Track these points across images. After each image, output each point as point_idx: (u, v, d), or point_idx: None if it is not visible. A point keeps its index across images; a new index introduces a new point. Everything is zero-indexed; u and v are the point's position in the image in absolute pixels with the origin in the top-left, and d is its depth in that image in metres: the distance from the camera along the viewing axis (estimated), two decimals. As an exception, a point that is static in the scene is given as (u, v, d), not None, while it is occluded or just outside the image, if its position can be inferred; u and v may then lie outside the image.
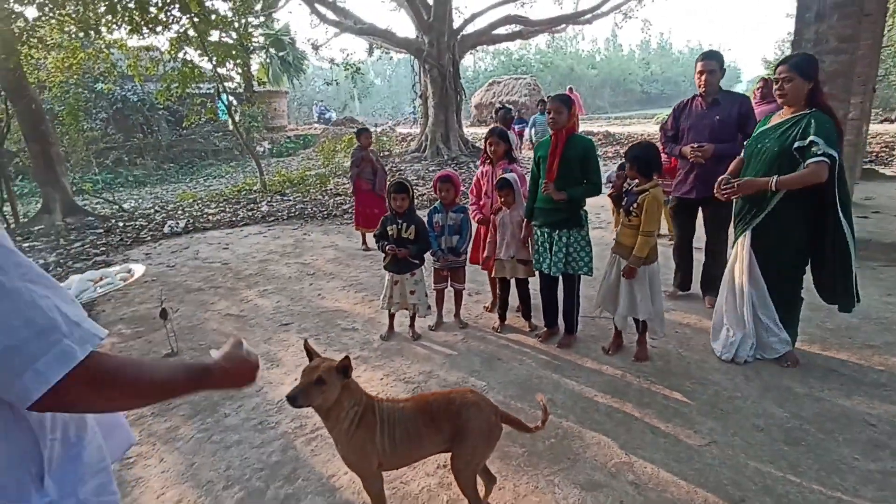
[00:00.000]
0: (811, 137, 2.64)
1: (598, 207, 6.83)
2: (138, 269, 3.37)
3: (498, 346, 3.53)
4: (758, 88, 6.03)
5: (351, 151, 6.70)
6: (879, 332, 3.40)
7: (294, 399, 1.64)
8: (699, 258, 4.05)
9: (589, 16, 16.06)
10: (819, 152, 2.61)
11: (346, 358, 1.74)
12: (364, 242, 6.18)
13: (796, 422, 2.54)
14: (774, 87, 2.86)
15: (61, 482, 0.86)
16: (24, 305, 0.73)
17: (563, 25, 17.13)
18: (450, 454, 1.90)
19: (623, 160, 3.66)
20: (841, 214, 2.71)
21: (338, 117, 25.14)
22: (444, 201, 3.84)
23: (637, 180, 3.07)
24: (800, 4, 4.62)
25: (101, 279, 3.15)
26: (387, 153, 14.20)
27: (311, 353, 1.80)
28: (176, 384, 0.93)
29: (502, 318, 3.82)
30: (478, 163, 5.07)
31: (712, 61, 3.66)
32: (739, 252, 3.04)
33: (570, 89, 15.44)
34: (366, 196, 6.07)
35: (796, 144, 2.71)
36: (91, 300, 3.26)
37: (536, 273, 3.57)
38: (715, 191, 2.98)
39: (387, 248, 3.57)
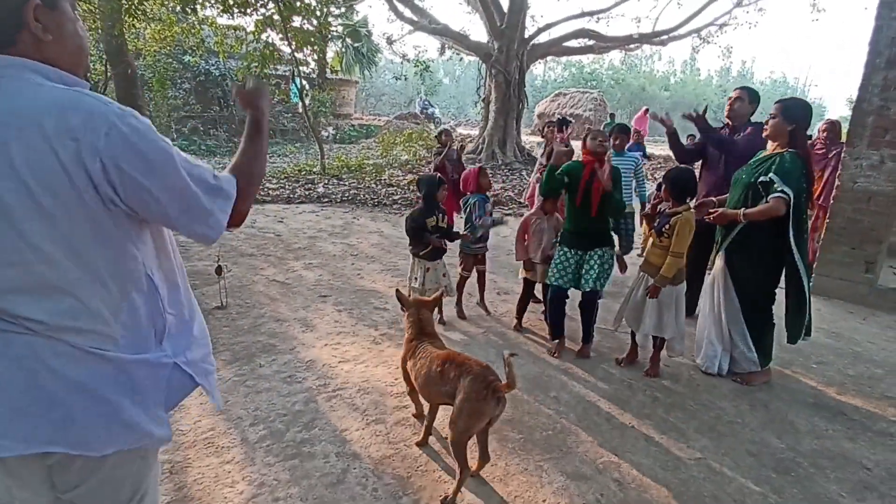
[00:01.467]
0: (770, 175, 2.95)
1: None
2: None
3: (516, 343, 3.72)
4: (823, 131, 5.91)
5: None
6: (902, 386, 3.36)
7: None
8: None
9: (665, 37, 15.80)
10: (778, 189, 2.90)
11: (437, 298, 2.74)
12: None
13: (791, 454, 2.61)
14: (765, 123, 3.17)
15: (175, 345, 1.16)
16: (193, 175, 1.06)
17: (637, 45, 16.93)
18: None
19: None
20: (795, 249, 2.98)
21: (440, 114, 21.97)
22: (486, 189, 4.11)
23: (670, 202, 3.19)
24: (871, 49, 4.53)
25: None
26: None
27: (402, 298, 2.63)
28: (259, 145, 1.28)
29: (520, 317, 3.99)
30: (532, 170, 5.29)
31: (744, 91, 3.96)
32: (717, 270, 3.29)
33: (646, 110, 15.28)
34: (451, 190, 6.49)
35: (760, 179, 2.97)
36: None
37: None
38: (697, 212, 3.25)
39: (438, 239, 3.69)
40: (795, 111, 3.03)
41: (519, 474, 2.35)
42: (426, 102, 25.95)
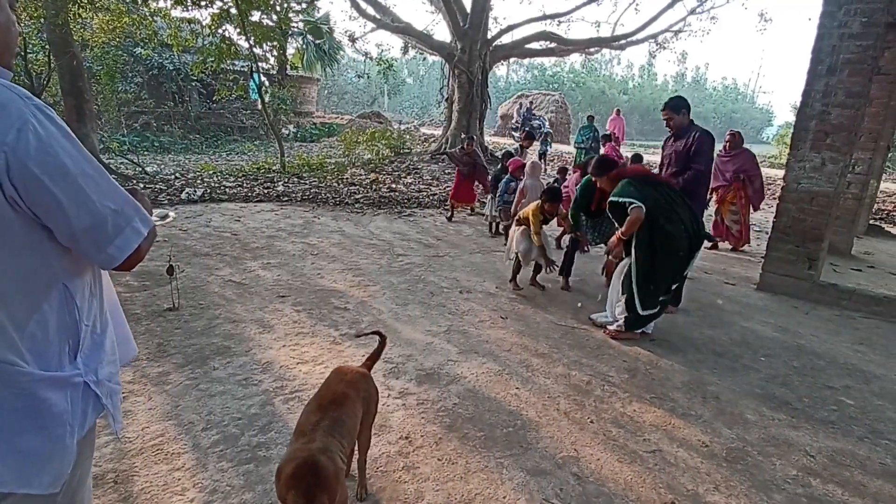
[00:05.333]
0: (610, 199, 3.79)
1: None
2: (171, 214, 3.71)
3: (478, 340, 3.72)
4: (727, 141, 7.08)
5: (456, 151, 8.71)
6: (841, 376, 3.54)
7: None
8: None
9: (623, 41, 16.24)
10: (624, 202, 3.67)
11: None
12: (451, 215, 7.86)
13: (740, 443, 2.70)
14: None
15: (87, 361, 1.07)
16: (103, 192, 0.98)
17: (597, 48, 17.32)
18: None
19: None
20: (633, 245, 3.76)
21: (540, 128, 15.10)
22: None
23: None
24: (814, 57, 4.76)
25: None
26: (406, 151, 14.44)
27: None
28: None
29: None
30: (495, 168, 6.49)
31: (668, 109, 4.42)
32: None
33: (618, 111, 15.64)
34: (461, 178, 7.80)
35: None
36: None
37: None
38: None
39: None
40: (600, 170, 4.02)
41: (479, 472, 2.35)
42: (530, 112, 17.91)
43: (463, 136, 9.22)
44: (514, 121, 16.59)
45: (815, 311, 4.85)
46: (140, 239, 1.04)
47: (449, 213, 7.93)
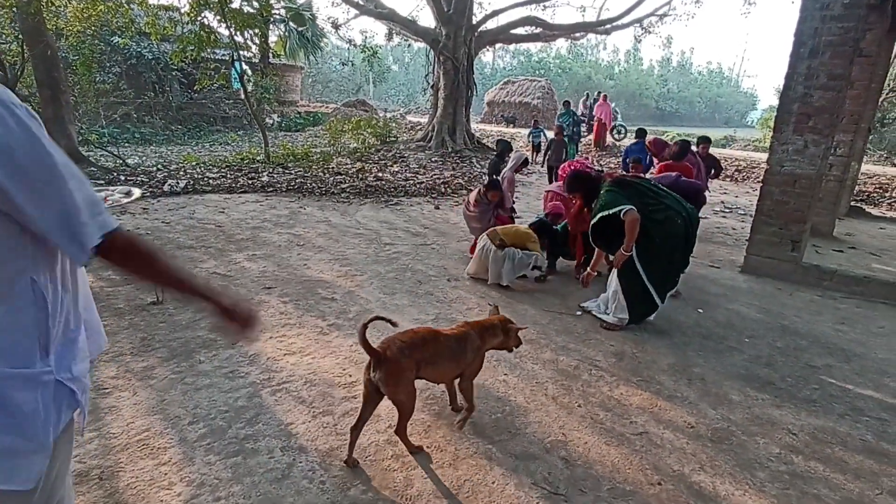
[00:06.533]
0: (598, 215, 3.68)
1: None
2: (136, 191, 3.72)
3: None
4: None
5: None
6: (822, 356, 3.61)
7: None
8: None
9: (608, 26, 16.17)
10: (616, 211, 3.57)
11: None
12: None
13: (725, 423, 2.75)
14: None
15: (60, 357, 1.04)
16: (76, 182, 0.96)
17: (583, 33, 17.24)
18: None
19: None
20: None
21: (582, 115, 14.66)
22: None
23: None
24: (796, 40, 4.78)
25: (105, 198, 3.56)
26: (392, 139, 14.33)
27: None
28: (184, 277, 1.12)
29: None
30: (479, 158, 6.01)
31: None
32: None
33: (605, 97, 15.63)
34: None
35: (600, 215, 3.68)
36: None
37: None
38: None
39: None
40: (575, 185, 4.01)
41: (468, 458, 2.36)
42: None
43: (484, 184, 6.12)
44: (580, 113, 16.21)
45: (798, 292, 4.92)
46: (115, 224, 1.02)
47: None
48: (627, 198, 3.60)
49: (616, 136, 16.41)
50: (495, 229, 4.64)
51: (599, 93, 16.12)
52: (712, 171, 7.30)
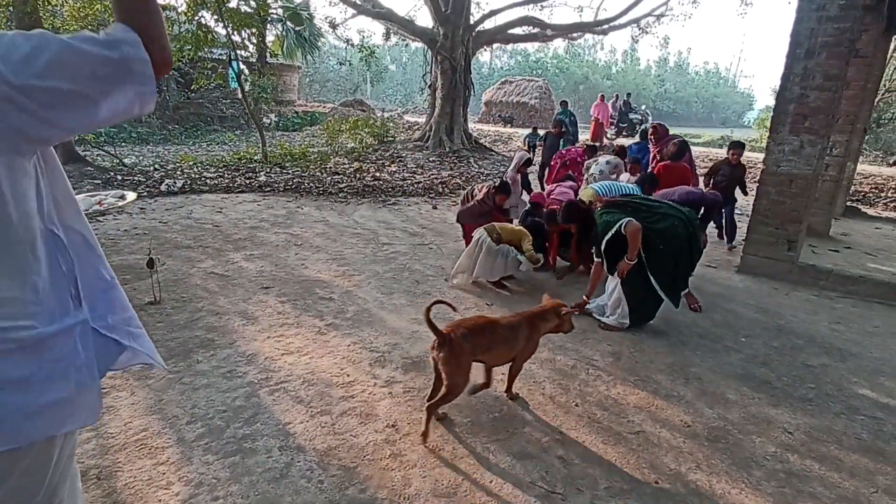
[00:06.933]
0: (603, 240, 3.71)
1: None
2: (130, 195, 3.72)
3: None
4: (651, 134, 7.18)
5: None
6: (819, 355, 3.63)
7: None
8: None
9: (606, 26, 16.20)
10: (620, 225, 3.60)
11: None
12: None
13: (721, 422, 2.76)
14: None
15: (94, 307, 1.05)
16: (76, 39, 0.88)
17: (580, 33, 17.27)
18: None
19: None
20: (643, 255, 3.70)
21: (642, 122, 15.09)
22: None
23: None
24: (792, 40, 4.80)
25: (100, 202, 3.58)
26: (390, 139, 14.33)
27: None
28: None
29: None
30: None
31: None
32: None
33: (602, 97, 15.70)
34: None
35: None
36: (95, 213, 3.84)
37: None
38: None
39: None
40: (571, 217, 4.27)
41: (466, 457, 2.37)
42: (628, 107, 16.42)
43: (478, 186, 5.36)
44: (610, 115, 16.11)
45: (794, 291, 4.94)
46: (139, 45, 0.91)
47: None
48: (624, 214, 3.68)
49: (627, 131, 16.50)
50: (493, 225, 4.63)
51: (628, 96, 16.07)
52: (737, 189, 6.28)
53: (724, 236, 6.51)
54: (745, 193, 6.51)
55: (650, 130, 7.21)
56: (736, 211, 6.55)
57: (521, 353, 2.72)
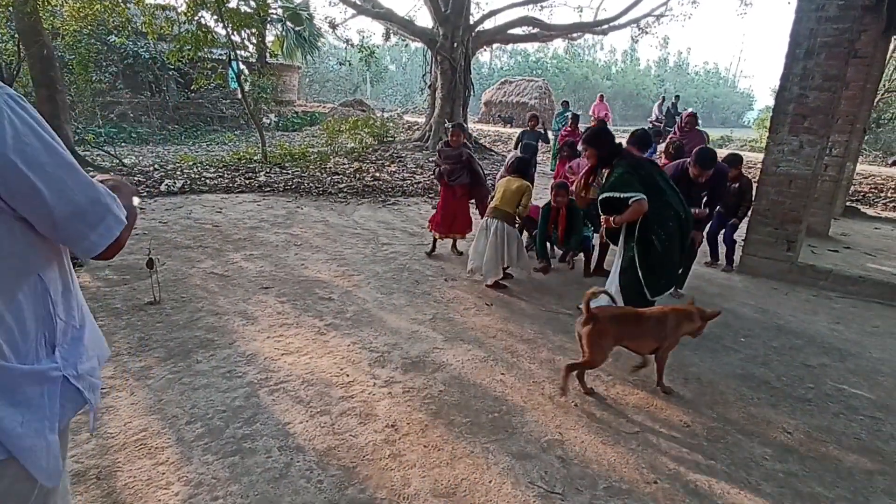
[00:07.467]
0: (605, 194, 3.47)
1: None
2: (135, 199, 3.69)
3: (463, 327, 3.73)
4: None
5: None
6: (818, 355, 3.63)
7: None
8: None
9: (605, 26, 16.21)
10: (626, 197, 3.36)
11: None
12: (433, 249, 5.92)
13: (721, 423, 2.76)
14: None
15: (67, 355, 1.05)
16: (81, 181, 0.96)
17: (580, 33, 17.27)
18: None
19: None
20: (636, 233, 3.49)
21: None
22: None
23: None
24: (792, 41, 4.81)
25: None
26: (390, 139, 14.33)
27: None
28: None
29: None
30: (476, 158, 5.78)
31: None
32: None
33: (601, 96, 15.68)
34: (446, 190, 5.62)
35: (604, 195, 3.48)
36: None
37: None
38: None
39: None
40: (594, 142, 3.60)
41: (465, 457, 2.37)
42: (675, 108, 14.96)
43: (447, 123, 5.94)
44: (654, 117, 15.43)
45: (793, 291, 4.94)
46: (121, 226, 1.03)
47: (430, 248, 5.47)
48: (641, 181, 3.36)
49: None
50: (492, 207, 4.45)
51: (677, 98, 15.41)
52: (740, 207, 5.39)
53: (718, 257, 5.68)
54: (745, 215, 5.43)
55: (683, 118, 6.91)
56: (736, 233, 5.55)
57: (665, 344, 2.90)
